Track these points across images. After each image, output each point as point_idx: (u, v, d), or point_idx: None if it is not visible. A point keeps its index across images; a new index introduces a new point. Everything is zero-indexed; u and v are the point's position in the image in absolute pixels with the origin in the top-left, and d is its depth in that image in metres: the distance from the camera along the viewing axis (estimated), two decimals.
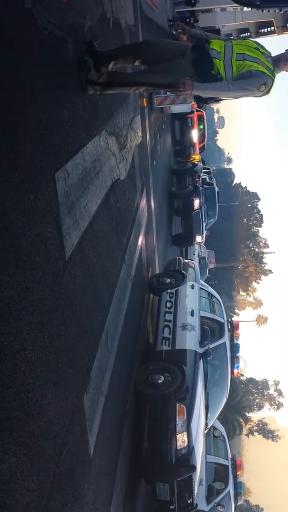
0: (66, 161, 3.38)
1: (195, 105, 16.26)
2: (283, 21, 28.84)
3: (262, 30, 33.94)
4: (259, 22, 32.52)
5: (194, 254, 19.06)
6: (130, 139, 6.50)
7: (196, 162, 18.38)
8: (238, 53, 3.75)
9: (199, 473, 6.22)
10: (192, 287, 8.12)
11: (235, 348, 8.45)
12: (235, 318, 60.19)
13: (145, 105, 8.97)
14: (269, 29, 32.32)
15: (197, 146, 19.59)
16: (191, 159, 18.75)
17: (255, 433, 61.62)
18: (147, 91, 4.20)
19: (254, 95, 3.83)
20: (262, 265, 56.24)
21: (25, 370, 2.53)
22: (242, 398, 41.43)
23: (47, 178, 2.99)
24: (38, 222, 2.82)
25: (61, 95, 3.38)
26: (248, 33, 35.50)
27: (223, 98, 4.05)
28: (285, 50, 3.86)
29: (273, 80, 3.84)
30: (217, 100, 4.05)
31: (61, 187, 3.24)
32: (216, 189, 18.40)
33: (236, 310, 68.05)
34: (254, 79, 3.76)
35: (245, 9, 29.75)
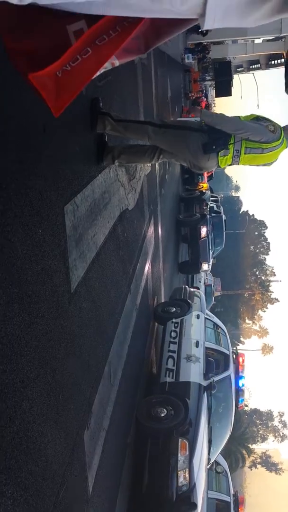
0: (75, 194, 3.40)
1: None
2: None
3: (272, 62, 34.68)
4: (269, 54, 33.25)
5: (200, 282, 19.00)
6: (139, 169, 6.56)
7: (204, 190, 18.53)
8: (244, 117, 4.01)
9: (200, 511, 6.02)
10: (198, 317, 8.04)
11: (239, 381, 8.29)
12: (240, 347, 59.58)
13: None
14: (279, 61, 33.00)
15: (205, 175, 19.76)
16: (199, 187, 18.90)
17: (258, 466, 60.07)
18: (159, 155, 4.20)
19: (263, 133, 3.81)
20: (269, 293, 55.95)
21: (25, 408, 2.48)
22: (246, 430, 40.66)
23: (56, 212, 3.00)
24: (45, 256, 2.81)
25: (72, 131, 3.42)
26: (259, 65, 36.26)
27: (231, 143, 4.01)
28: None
29: (282, 130, 3.92)
30: (225, 145, 3.95)
31: (69, 220, 3.25)
32: (224, 217, 18.47)
33: (242, 339, 67.37)
34: (261, 121, 3.91)
35: (256, 41, 30.46)
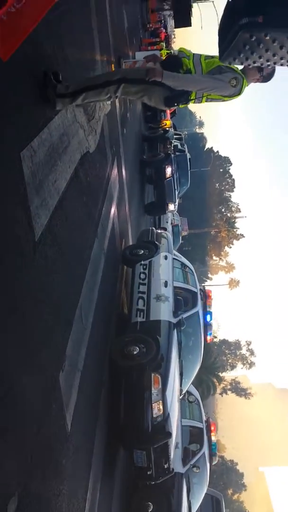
0: (31, 138, 3.26)
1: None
2: None
3: None
4: None
5: (167, 222, 19.05)
6: (98, 108, 6.32)
7: (167, 128, 18.11)
8: (207, 56, 3.82)
9: (174, 438, 6.44)
10: (166, 257, 8.15)
11: (207, 316, 8.61)
12: (208, 283, 61.30)
13: (113, 71, 8.68)
14: None
15: (168, 111, 19.25)
16: (162, 125, 18.45)
17: (229, 392, 63.93)
18: (118, 89, 3.92)
19: (225, 89, 3.75)
20: (234, 230, 56.90)
21: None
22: (216, 359, 42.66)
23: (12, 158, 2.89)
24: (5, 206, 2.74)
25: (21, 72, 3.23)
26: None
27: (192, 98, 3.90)
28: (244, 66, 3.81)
29: (243, 80, 3.82)
30: (187, 101, 3.89)
31: (27, 167, 3.14)
32: (188, 155, 18.25)
33: (209, 275, 69.24)
34: (225, 73, 3.77)
35: None
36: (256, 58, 2.41)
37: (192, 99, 3.90)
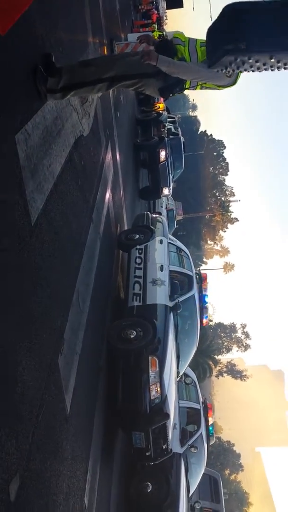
0: (25, 121, 3.23)
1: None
2: None
3: None
4: None
5: (161, 207, 19.02)
6: None
7: (160, 111, 17.94)
8: (202, 42, 3.61)
9: (172, 419, 6.53)
10: (161, 242, 8.16)
11: (203, 299, 8.66)
12: (203, 267, 61.45)
13: (106, 53, 8.57)
14: None
15: None
16: (156, 108, 18.27)
17: (225, 374, 64.60)
18: (110, 88, 3.84)
19: (220, 79, 3.64)
20: (229, 214, 56.80)
21: None
22: (211, 342, 43.03)
23: (6, 142, 2.87)
24: (1, 189, 2.72)
25: (14, 55, 3.18)
26: None
27: (187, 87, 3.84)
28: None
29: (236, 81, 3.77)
30: (182, 90, 3.81)
31: (22, 150, 3.11)
32: (182, 139, 18.13)
33: (204, 259, 69.31)
34: None
35: None
36: (242, 70, 2.79)
37: (187, 88, 3.84)
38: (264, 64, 2.69)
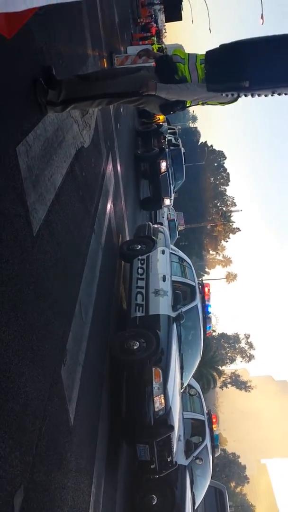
0: (26, 133, 3.26)
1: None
2: None
3: None
4: None
5: (163, 217, 19.06)
6: None
7: (161, 123, 18.06)
8: (202, 58, 3.59)
9: (177, 431, 6.46)
10: (163, 252, 8.16)
11: (206, 309, 8.63)
12: (205, 277, 61.35)
13: (105, 66, 8.66)
14: None
15: None
16: (156, 119, 18.39)
17: (229, 385, 64.14)
18: (110, 104, 3.87)
19: (221, 98, 3.63)
20: (230, 224, 56.87)
21: (0, 351, 2.52)
22: (215, 353, 42.75)
23: (8, 153, 2.89)
24: (2, 200, 2.73)
25: (14, 68, 3.22)
26: None
27: (188, 106, 3.85)
28: None
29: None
30: (183, 108, 3.82)
31: (23, 161, 3.13)
32: (182, 150, 18.24)
33: (207, 269, 69.30)
34: None
35: None
36: (243, 96, 3.28)
37: (188, 106, 3.85)
38: (265, 96, 3.14)
